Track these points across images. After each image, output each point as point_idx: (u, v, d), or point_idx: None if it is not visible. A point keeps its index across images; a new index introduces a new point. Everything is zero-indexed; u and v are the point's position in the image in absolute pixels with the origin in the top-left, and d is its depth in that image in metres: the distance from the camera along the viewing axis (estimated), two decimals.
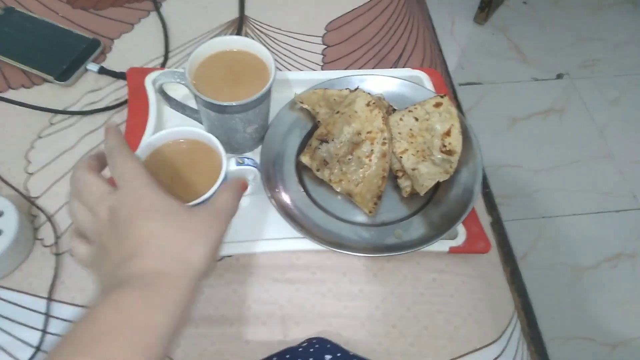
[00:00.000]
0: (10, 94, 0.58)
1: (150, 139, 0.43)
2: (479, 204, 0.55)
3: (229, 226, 0.36)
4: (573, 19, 1.85)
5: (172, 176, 0.43)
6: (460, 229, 0.50)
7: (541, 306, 1.18)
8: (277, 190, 0.50)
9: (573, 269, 1.26)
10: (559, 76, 1.68)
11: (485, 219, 0.54)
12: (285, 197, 0.50)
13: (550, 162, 1.46)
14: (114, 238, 0.32)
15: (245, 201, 0.51)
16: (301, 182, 0.52)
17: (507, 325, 0.49)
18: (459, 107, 0.49)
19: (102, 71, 0.60)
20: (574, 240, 1.30)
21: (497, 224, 1.19)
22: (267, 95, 0.48)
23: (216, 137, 0.51)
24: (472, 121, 1.51)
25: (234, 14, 0.68)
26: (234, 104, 0.45)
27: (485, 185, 1.16)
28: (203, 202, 0.40)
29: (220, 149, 0.43)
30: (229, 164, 0.43)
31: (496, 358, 0.46)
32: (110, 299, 0.29)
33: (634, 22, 1.85)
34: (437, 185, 0.52)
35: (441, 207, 0.51)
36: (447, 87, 0.63)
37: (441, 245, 0.48)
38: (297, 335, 0.44)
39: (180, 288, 0.31)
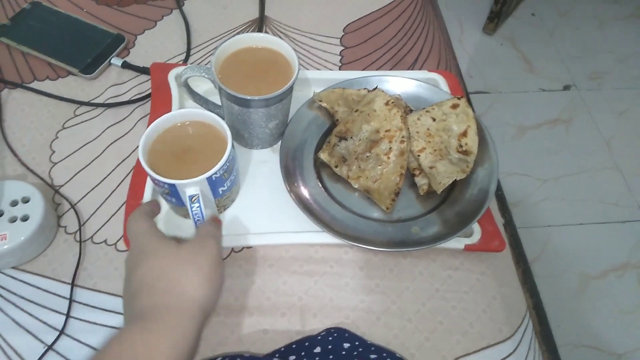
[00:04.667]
0: (35, 85, 0.59)
1: (158, 120, 0.45)
2: (492, 205, 0.56)
3: (220, 250, 0.40)
4: (581, 31, 1.87)
5: (180, 154, 0.45)
6: (476, 228, 0.51)
7: (548, 314, 1.18)
8: (296, 185, 0.51)
9: (580, 278, 1.26)
10: (566, 87, 1.69)
11: (498, 220, 0.55)
12: (304, 192, 0.51)
13: (557, 172, 1.46)
14: (125, 284, 0.38)
15: (264, 193, 0.52)
16: (319, 178, 0.53)
17: (520, 323, 0.49)
18: (473, 111, 0.50)
19: (126, 65, 0.61)
20: (581, 249, 1.31)
21: (510, 226, 1.19)
22: (289, 91, 0.49)
23: (237, 131, 0.53)
24: None
25: (254, 13, 0.70)
26: (258, 98, 0.46)
27: (498, 187, 1.17)
28: (210, 176, 0.42)
29: (225, 128, 0.45)
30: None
31: (509, 354, 0.46)
32: (117, 336, 0.33)
33: None
34: (453, 184, 0.53)
35: (457, 206, 0.51)
36: (462, 90, 0.64)
37: (457, 242, 0.49)
38: (314, 326, 0.45)
39: (177, 318, 0.34)
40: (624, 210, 1.39)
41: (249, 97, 0.46)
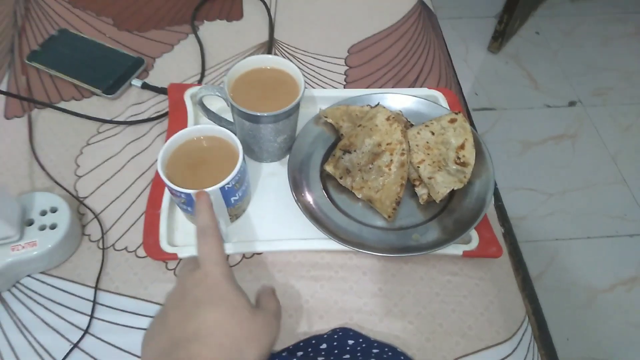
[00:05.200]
0: (62, 105, 0.64)
1: (175, 135, 0.49)
2: (492, 216, 0.59)
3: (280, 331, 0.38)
4: (584, 49, 1.90)
5: (196, 165, 0.48)
6: (474, 235, 0.53)
7: (556, 327, 1.18)
8: (303, 195, 0.55)
9: (587, 292, 1.26)
10: (572, 103, 1.72)
11: (497, 229, 0.58)
12: (311, 202, 0.55)
13: (563, 186, 1.48)
14: (179, 312, 0.34)
15: (273, 203, 0.56)
16: (325, 188, 0.57)
17: (518, 327, 0.51)
18: (472, 126, 0.53)
19: (145, 86, 0.66)
20: (588, 263, 1.31)
21: (509, 235, 1.21)
22: (296, 108, 0.53)
23: (248, 146, 0.57)
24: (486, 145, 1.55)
25: (264, 37, 0.74)
26: (267, 114, 0.50)
27: (497, 198, 1.20)
28: (223, 187, 0.45)
29: (237, 142, 0.48)
30: None
31: (507, 356, 0.48)
32: None
33: None
34: (452, 194, 0.55)
35: (455, 214, 0.54)
36: (461, 106, 0.67)
37: (456, 248, 0.52)
38: (320, 327, 0.48)
39: None
40: (632, 224, 1.40)
41: (258, 114, 0.50)
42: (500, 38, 1.83)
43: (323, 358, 0.40)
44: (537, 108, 1.69)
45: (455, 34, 1.94)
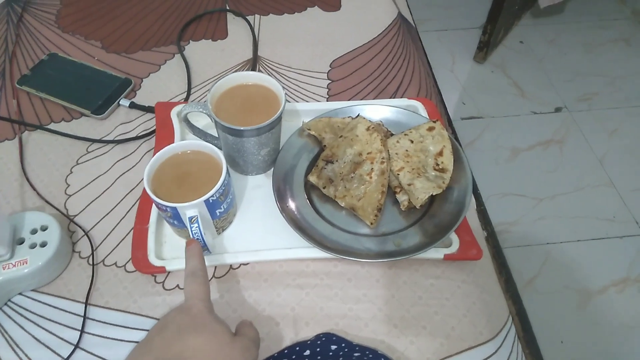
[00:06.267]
0: (52, 126, 0.66)
1: (161, 151, 0.51)
2: (474, 220, 0.60)
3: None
4: (569, 56, 1.94)
5: (181, 179, 0.50)
6: (454, 238, 0.55)
7: (549, 331, 1.19)
8: (287, 205, 0.56)
9: (580, 294, 1.27)
10: (558, 109, 1.75)
11: (480, 234, 0.59)
12: (295, 212, 0.56)
13: (552, 191, 1.50)
14: (164, 337, 0.37)
15: (259, 214, 0.57)
16: (309, 199, 0.58)
17: (501, 327, 0.52)
18: (454, 134, 0.55)
19: (133, 106, 0.68)
20: (580, 265, 1.33)
21: (492, 238, 1.23)
22: (278, 121, 0.55)
23: (233, 159, 0.58)
24: (474, 152, 1.57)
25: (248, 54, 0.77)
26: (249, 128, 0.52)
27: (479, 203, 1.22)
28: (208, 199, 0.47)
29: (221, 156, 0.50)
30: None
31: (491, 356, 0.50)
32: None
33: (628, 58, 1.93)
34: (432, 200, 0.57)
35: (436, 219, 0.56)
36: (441, 114, 0.69)
37: (437, 252, 0.53)
38: (307, 333, 0.49)
39: None
40: (621, 226, 1.41)
41: (241, 128, 0.52)
42: (485, 48, 1.86)
43: None
44: (524, 115, 1.72)
45: (441, 45, 1.98)
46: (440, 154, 0.59)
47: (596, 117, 1.71)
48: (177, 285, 0.52)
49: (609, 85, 1.82)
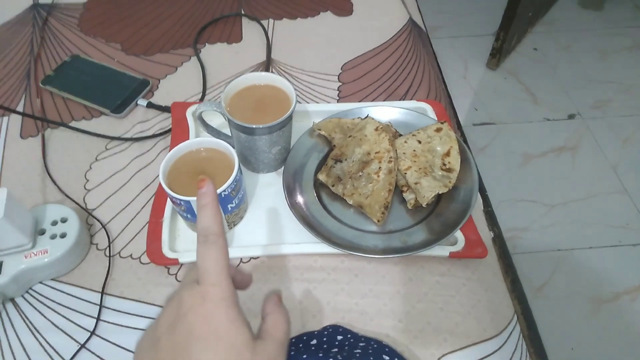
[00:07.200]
0: (73, 124, 0.69)
1: (176, 147, 0.53)
2: (481, 221, 0.61)
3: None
4: (582, 63, 1.93)
5: (194, 176, 0.52)
6: (460, 237, 0.56)
7: (559, 337, 1.18)
8: (297, 202, 0.58)
9: (591, 302, 1.26)
10: (571, 116, 1.74)
11: (487, 234, 0.60)
12: (305, 208, 0.58)
13: (565, 197, 1.49)
14: (171, 341, 0.30)
15: (269, 211, 0.59)
16: (318, 196, 0.60)
17: (506, 325, 0.53)
18: (463, 136, 0.56)
19: (150, 105, 0.71)
20: (592, 272, 1.32)
21: (499, 239, 1.23)
22: (288, 120, 0.57)
23: (245, 157, 0.60)
24: (486, 158, 1.57)
25: (262, 57, 0.79)
26: (261, 126, 0.54)
27: (487, 204, 1.22)
28: (220, 194, 0.49)
29: (233, 153, 0.52)
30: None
31: (494, 352, 0.50)
32: None
33: None
34: (439, 199, 0.58)
35: (442, 218, 0.57)
36: (450, 117, 0.70)
37: (443, 249, 0.54)
38: (314, 326, 0.50)
39: None
40: (634, 233, 1.40)
41: (253, 126, 0.54)
42: (497, 55, 1.87)
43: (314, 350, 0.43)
44: (536, 121, 1.72)
45: (454, 52, 1.99)
46: (448, 154, 0.60)
47: (610, 125, 1.70)
48: None
49: (623, 93, 1.81)
